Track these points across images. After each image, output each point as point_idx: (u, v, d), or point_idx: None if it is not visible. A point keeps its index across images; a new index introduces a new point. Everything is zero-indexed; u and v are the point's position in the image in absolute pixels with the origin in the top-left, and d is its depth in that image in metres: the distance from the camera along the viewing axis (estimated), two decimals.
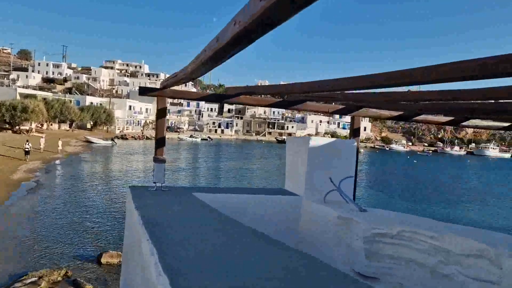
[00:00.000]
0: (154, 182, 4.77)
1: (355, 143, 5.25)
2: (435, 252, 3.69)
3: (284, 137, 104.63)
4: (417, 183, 41.60)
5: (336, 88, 4.06)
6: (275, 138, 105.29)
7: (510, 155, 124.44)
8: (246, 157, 58.16)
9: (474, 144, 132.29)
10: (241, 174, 39.07)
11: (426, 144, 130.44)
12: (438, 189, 39.08)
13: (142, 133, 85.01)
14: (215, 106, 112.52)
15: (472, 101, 4.69)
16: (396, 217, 4.25)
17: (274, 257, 2.19)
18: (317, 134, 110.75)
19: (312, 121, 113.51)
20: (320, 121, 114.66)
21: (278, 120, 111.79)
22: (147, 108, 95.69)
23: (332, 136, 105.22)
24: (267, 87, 4.39)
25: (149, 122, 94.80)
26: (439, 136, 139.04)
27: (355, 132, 5.52)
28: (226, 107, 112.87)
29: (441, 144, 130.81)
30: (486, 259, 3.30)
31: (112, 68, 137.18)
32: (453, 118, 5.91)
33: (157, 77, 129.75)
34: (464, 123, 5.99)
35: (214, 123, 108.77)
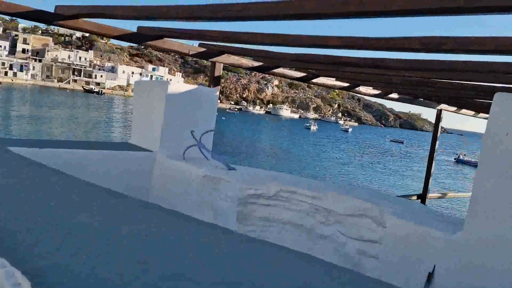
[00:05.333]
0: None
1: (217, 92, 4.64)
2: (315, 213, 3.47)
3: (92, 86, 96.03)
4: (225, 138, 44.19)
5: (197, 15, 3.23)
6: (82, 87, 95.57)
7: (298, 116, 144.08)
8: (51, 106, 51.23)
9: (271, 105, 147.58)
10: (49, 123, 34.13)
11: (232, 103, 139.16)
12: (243, 144, 42.61)
13: None
14: (5, 44, 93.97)
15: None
16: (271, 176, 3.88)
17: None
18: (128, 85, 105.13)
19: (123, 72, 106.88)
20: (132, 73, 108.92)
21: (85, 67, 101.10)
22: None
23: None
24: (126, 8, 3.30)
25: None
26: (244, 96, 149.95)
27: (215, 80, 4.89)
28: (20, 46, 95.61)
29: (245, 104, 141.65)
30: (368, 218, 3.21)
31: None
32: (305, 74, 5.86)
33: None
34: (313, 80, 6.03)
35: (4, 64, 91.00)
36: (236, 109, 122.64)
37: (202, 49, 4.68)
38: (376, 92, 6.95)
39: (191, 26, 4.13)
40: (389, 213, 3.08)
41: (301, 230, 3.55)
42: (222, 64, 4.87)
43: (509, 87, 4.30)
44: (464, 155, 63.22)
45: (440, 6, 1.78)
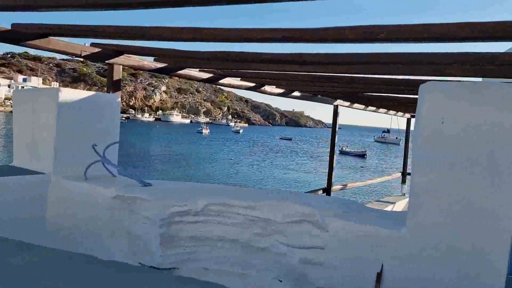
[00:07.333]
0: None
1: (118, 99, 4.04)
2: (251, 224, 3.13)
3: None
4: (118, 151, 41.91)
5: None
6: None
7: (189, 121, 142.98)
8: None
9: (161, 111, 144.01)
10: None
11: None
12: (137, 153, 40.78)
13: None
14: None
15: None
16: (197, 189, 3.44)
17: None
18: None
19: None
20: None
21: None
22: None
23: None
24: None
25: None
26: (131, 104, 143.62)
27: (114, 84, 4.25)
28: None
29: (133, 112, 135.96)
30: (309, 223, 2.98)
31: None
32: (211, 75, 5.51)
33: None
34: (220, 81, 5.72)
35: None
36: (124, 118, 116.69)
37: (97, 50, 4.04)
38: (281, 90, 6.89)
39: (82, 22, 3.50)
40: (330, 215, 2.88)
41: (236, 246, 3.19)
42: (121, 66, 4.26)
43: (417, 79, 4.48)
44: (346, 146, 68.84)
45: None
